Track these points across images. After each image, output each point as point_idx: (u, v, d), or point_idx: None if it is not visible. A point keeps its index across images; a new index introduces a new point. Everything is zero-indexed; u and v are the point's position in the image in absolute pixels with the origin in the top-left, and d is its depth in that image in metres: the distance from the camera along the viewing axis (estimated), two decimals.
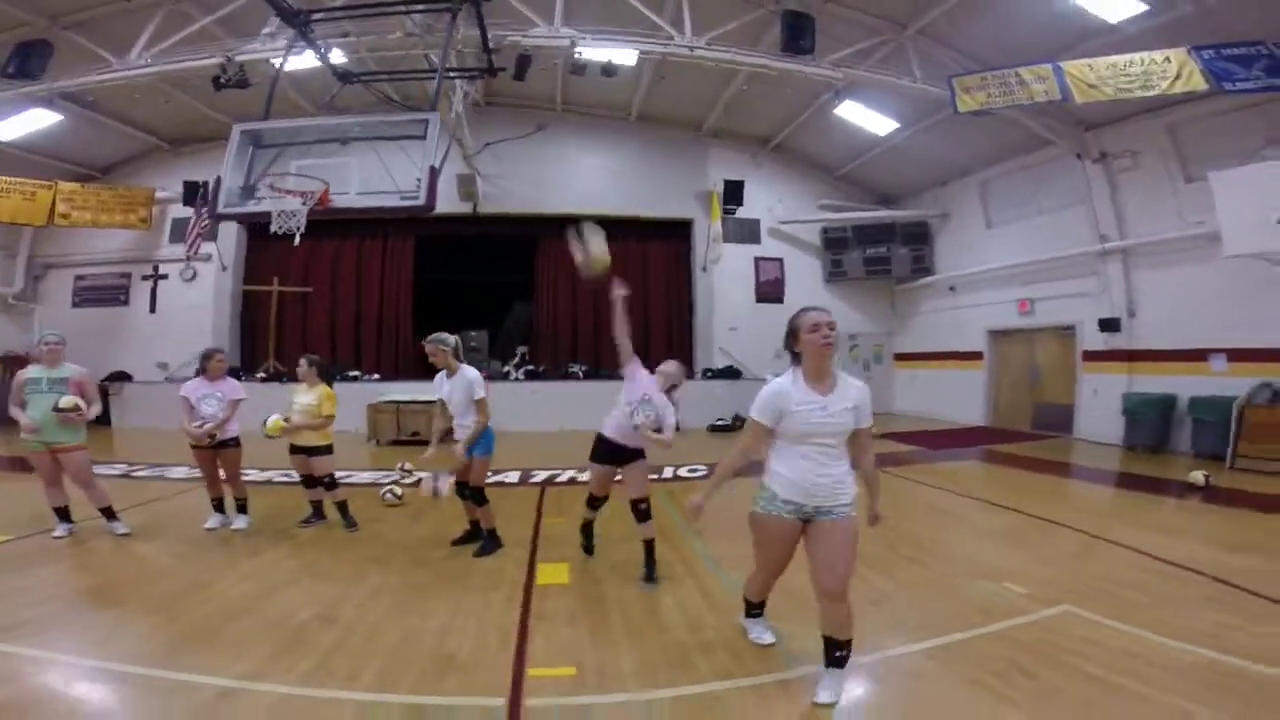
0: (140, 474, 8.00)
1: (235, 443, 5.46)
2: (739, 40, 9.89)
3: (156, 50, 9.53)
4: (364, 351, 13.82)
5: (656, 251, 14.86)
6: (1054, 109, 9.67)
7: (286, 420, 5.37)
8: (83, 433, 5.17)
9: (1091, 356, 11.24)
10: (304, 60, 9.37)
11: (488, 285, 15.62)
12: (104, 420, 12.98)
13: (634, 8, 9.49)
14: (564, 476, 8.01)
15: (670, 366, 4.35)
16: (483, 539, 4.97)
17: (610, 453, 4.33)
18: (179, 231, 13.85)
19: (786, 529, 2.81)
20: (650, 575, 4.26)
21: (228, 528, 5.48)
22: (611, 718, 2.77)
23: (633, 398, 4.17)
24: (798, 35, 9.43)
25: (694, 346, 14.42)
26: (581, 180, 14.22)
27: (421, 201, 6.56)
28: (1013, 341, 13.13)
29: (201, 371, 5.46)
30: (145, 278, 13.80)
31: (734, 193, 13.43)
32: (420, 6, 8.29)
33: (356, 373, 12.92)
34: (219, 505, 5.57)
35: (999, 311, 13.32)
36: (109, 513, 5.32)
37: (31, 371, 5.06)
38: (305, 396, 5.48)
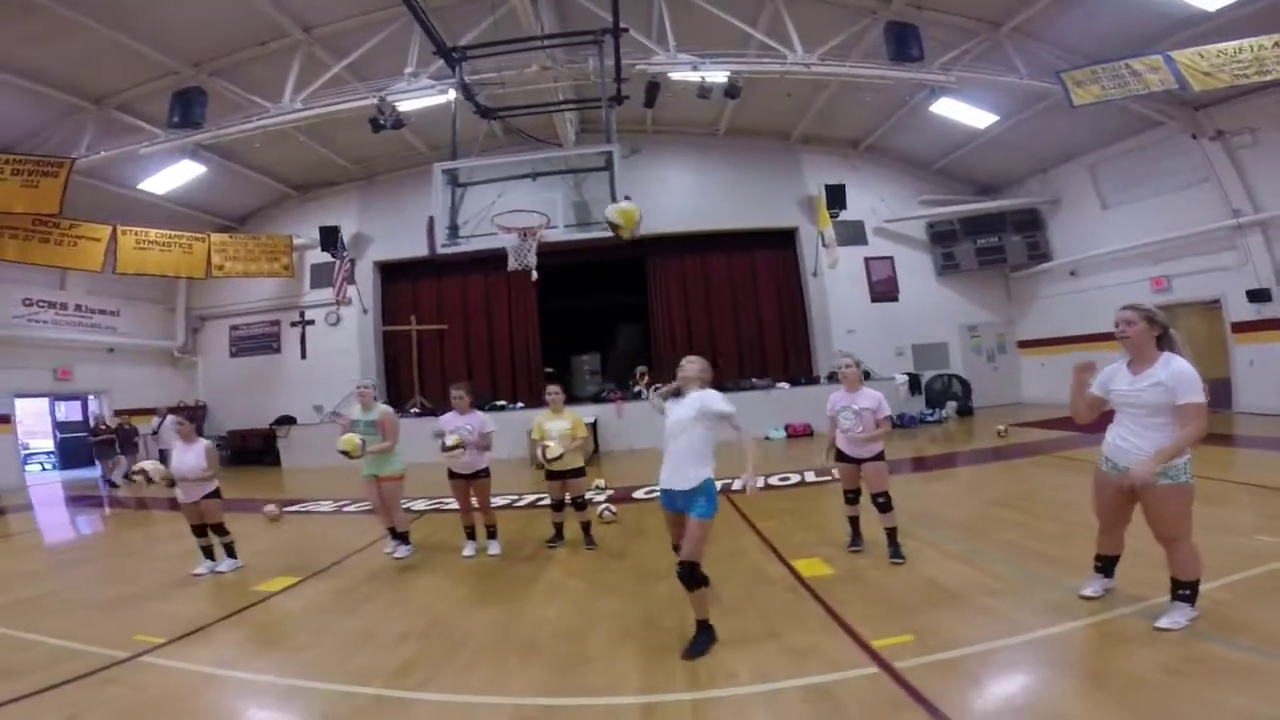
0: (350, 509, 8.55)
1: (486, 473, 5.72)
2: (843, 52, 10.36)
3: (306, 94, 10.22)
4: (499, 382, 14.57)
5: (763, 261, 15.36)
6: (1159, 92, 9.66)
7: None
8: (399, 464, 5.83)
9: (1242, 328, 11.15)
10: (418, 102, 10.13)
11: (604, 308, 16.14)
12: (274, 461, 13.94)
13: (720, 28, 10.03)
14: (737, 484, 8.35)
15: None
16: (697, 634, 3.52)
17: (848, 458, 4.88)
18: (318, 277, 14.94)
19: (1109, 483, 3.41)
20: (897, 553, 4.66)
21: (484, 553, 5.76)
22: (987, 661, 3.14)
23: (834, 409, 4.92)
24: (905, 44, 9.84)
25: (812, 352, 14.59)
26: (677, 198, 14.77)
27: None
28: None
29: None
30: (294, 324, 14.86)
31: (836, 196, 13.70)
32: (562, 40, 8.67)
33: (503, 402, 13.48)
34: (471, 533, 5.86)
35: (1130, 291, 13.07)
36: (404, 536, 5.93)
37: (354, 413, 5.89)
38: (559, 422, 5.63)
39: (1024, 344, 15.48)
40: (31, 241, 11.22)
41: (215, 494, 5.65)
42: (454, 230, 7.39)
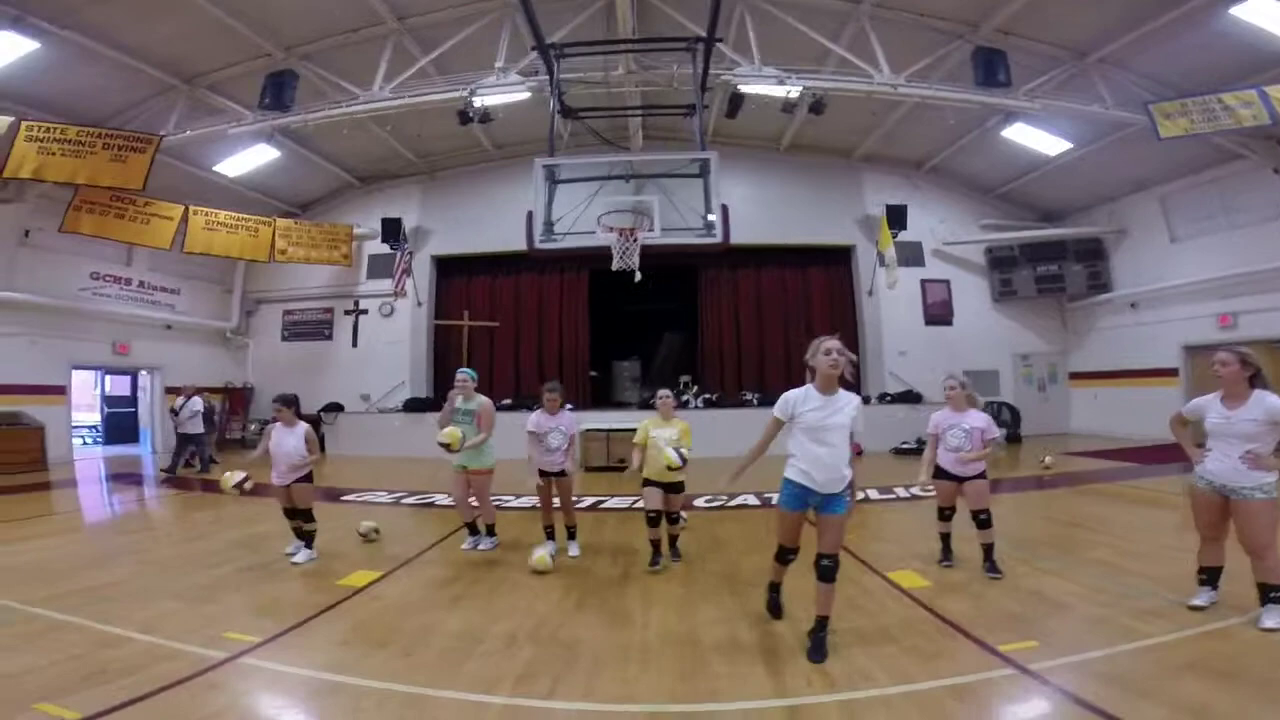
0: (409, 501, 8.54)
1: (567, 472, 5.61)
2: (926, 74, 10.40)
3: (394, 84, 10.37)
4: (547, 381, 14.32)
5: (817, 278, 15.41)
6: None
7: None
8: (490, 457, 5.79)
9: None
10: (504, 97, 10.26)
11: (650, 315, 16.12)
12: (321, 448, 13.88)
13: (799, 41, 10.07)
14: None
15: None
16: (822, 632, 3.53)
17: (948, 476, 4.97)
18: (376, 268, 15.01)
19: (1207, 500, 3.86)
20: (994, 568, 4.75)
21: (563, 553, 5.61)
22: (1118, 664, 3.26)
23: (939, 428, 5.02)
24: (993, 70, 9.84)
25: (863, 371, 14.46)
26: (734, 210, 14.44)
27: (719, 238, 6.93)
28: (1212, 357, 12.62)
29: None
30: (348, 313, 14.98)
31: (897, 217, 13.69)
32: (657, 45, 8.69)
33: None
34: (550, 533, 5.70)
35: (1194, 326, 12.99)
36: (490, 529, 5.95)
37: (456, 402, 5.83)
38: (668, 429, 5.24)
39: (1076, 375, 15.31)
40: (108, 217, 11.51)
41: (308, 478, 5.60)
42: (549, 226, 7.34)
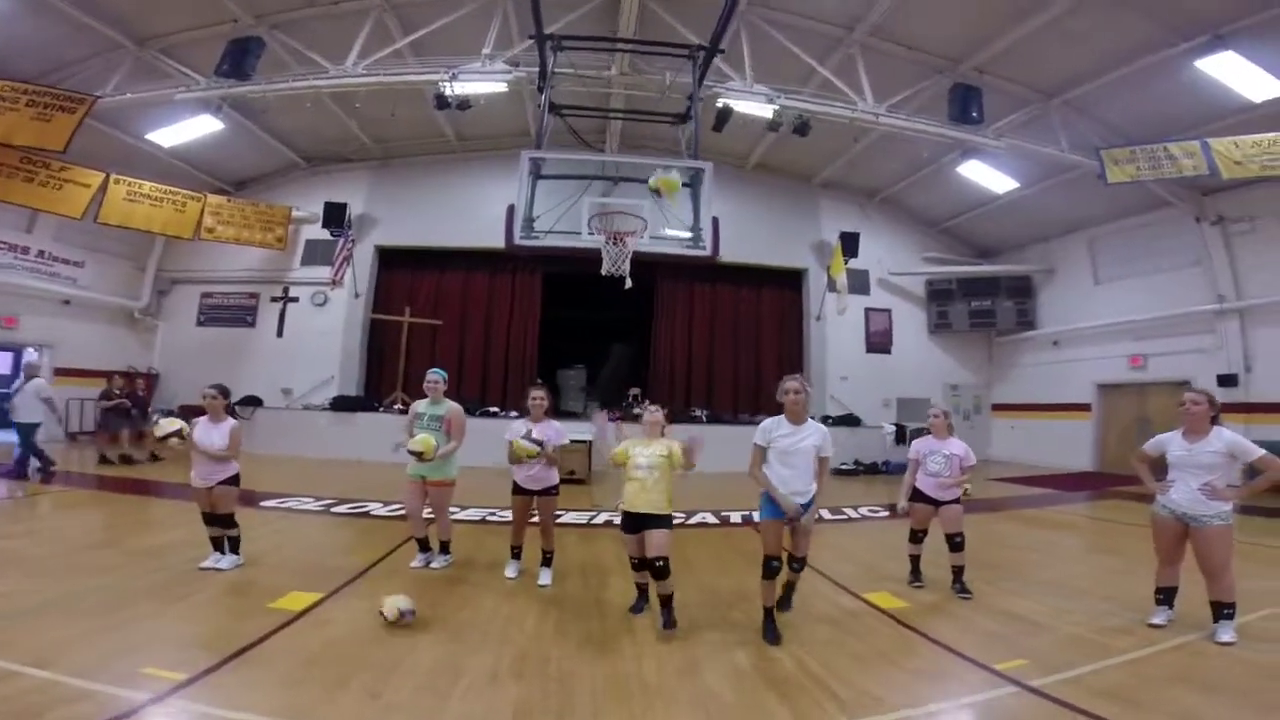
0: (340, 510, 7.77)
1: (555, 490, 5.08)
2: (902, 106, 10.72)
3: (369, 62, 9.78)
4: (490, 387, 14.00)
5: (770, 299, 15.67)
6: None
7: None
8: (454, 468, 5.37)
9: None
10: (484, 87, 9.86)
11: (601, 324, 15.80)
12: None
13: (786, 61, 10.16)
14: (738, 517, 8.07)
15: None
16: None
17: (926, 499, 5.17)
18: (312, 254, 14.12)
19: (1168, 527, 4.25)
20: (964, 589, 4.96)
21: (523, 575, 5.16)
22: (1108, 679, 3.48)
23: (920, 454, 5.22)
24: (967, 107, 10.29)
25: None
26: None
27: (708, 251, 6.73)
28: (1123, 395, 13.76)
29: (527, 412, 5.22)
30: (275, 299, 13.94)
31: (850, 244, 14.05)
32: (656, 49, 8.49)
33: (495, 409, 12.85)
34: (517, 553, 5.21)
35: (1108, 365, 13.88)
36: (445, 546, 5.44)
37: (419, 406, 5.38)
38: (652, 448, 4.33)
39: (998, 406, 16.08)
40: (14, 180, 10.30)
41: (233, 480, 5.06)
42: (530, 223, 6.90)
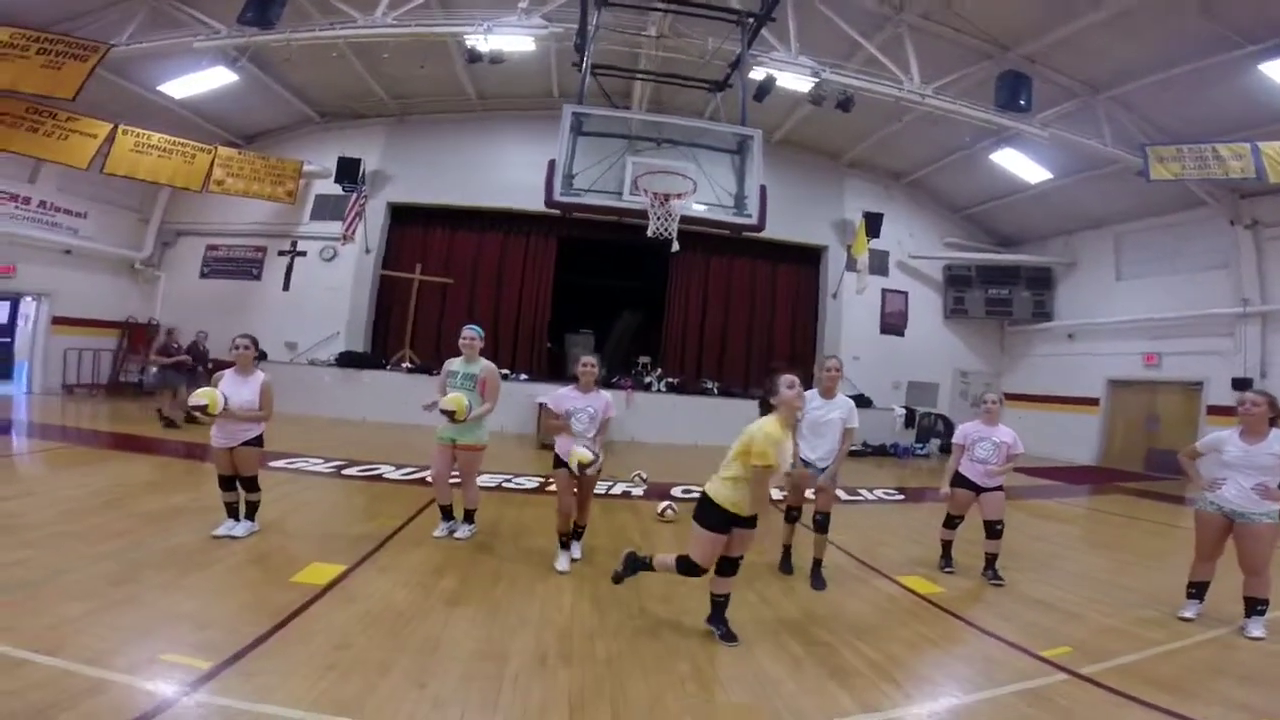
0: (351, 473, 7.49)
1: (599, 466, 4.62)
2: (947, 89, 10.31)
3: (401, 12, 9.25)
4: (500, 349, 13.58)
5: (787, 275, 15.41)
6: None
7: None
8: (484, 431, 5.13)
9: (1217, 410, 11.88)
10: (517, 41, 9.39)
11: (613, 290, 15.44)
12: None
13: (830, 34, 9.81)
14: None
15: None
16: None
17: (969, 485, 5.10)
18: (322, 209, 13.71)
19: (1213, 522, 4.26)
20: (996, 575, 4.96)
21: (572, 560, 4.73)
22: (1153, 669, 3.51)
23: (967, 439, 5.13)
24: (1016, 94, 9.88)
25: (818, 373, 14.23)
26: (719, 193, 14.05)
27: (754, 219, 6.38)
28: (1134, 391, 13.65)
29: (574, 379, 4.81)
30: (282, 253, 13.51)
31: (873, 225, 13.69)
32: (706, 11, 7.99)
33: (505, 371, 12.48)
34: (567, 542, 4.68)
35: (1122, 362, 13.73)
36: (470, 515, 5.21)
37: (452, 364, 5.11)
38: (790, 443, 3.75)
39: (1007, 396, 15.68)
40: (18, 130, 9.92)
41: (257, 441, 4.72)
42: (570, 179, 6.49)
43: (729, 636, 3.52)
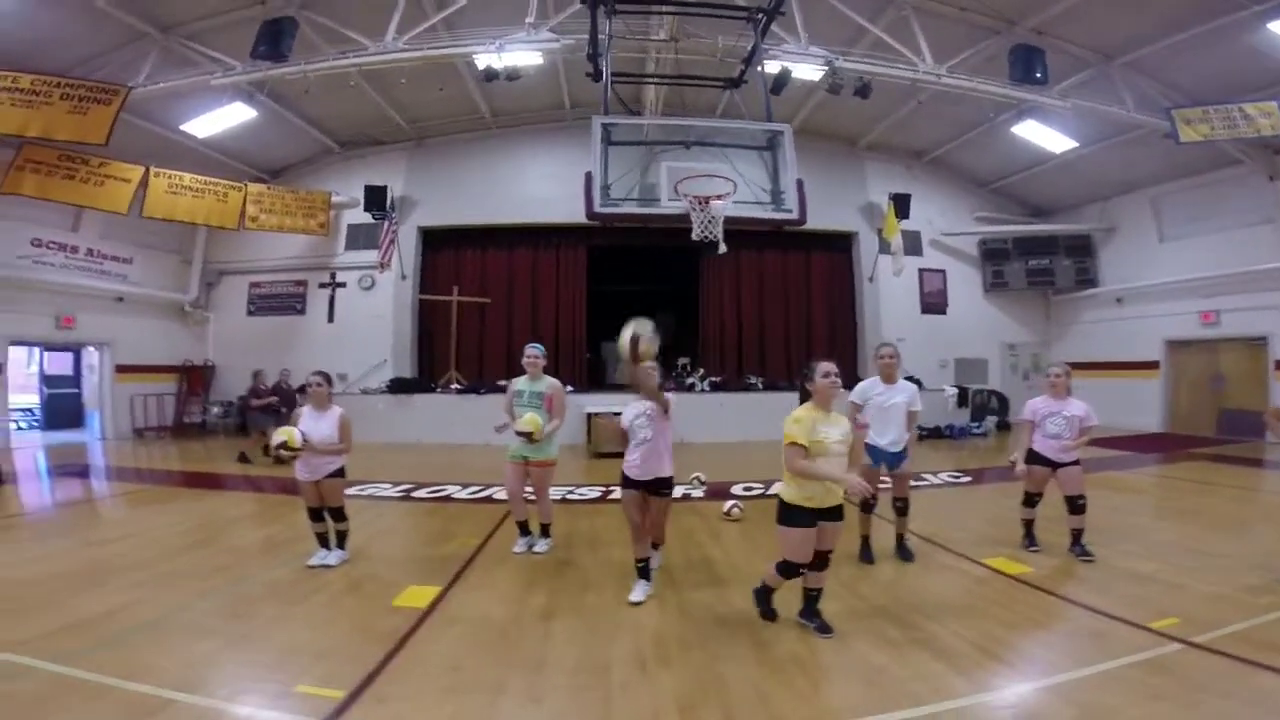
0: (420, 495, 7.71)
1: (670, 485, 4.23)
2: (959, 67, 10.18)
3: (409, 36, 9.35)
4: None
5: (819, 263, 15.33)
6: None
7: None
8: (555, 448, 5.15)
9: None
10: (528, 57, 9.51)
11: (646, 295, 15.41)
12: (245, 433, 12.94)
13: (834, 21, 9.76)
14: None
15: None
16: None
17: (1044, 461, 4.98)
18: (355, 238, 14.00)
19: None
20: (1084, 551, 4.83)
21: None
22: (1271, 635, 3.37)
23: (1037, 415, 5.01)
24: (1031, 67, 9.75)
25: (859, 358, 14.27)
26: (743, 189, 14.02)
27: (794, 214, 6.37)
28: (1193, 352, 13.22)
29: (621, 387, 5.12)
30: (323, 285, 13.84)
31: (901, 206, 13.52)
32: (717, 11, 8.00)
33: (571, 387, 12.64)
34: (645, 570, 4.22)
35: (1178, 322, 13.33)
36: (546, 529, 5.28)
37: (518, 384, 5.18)
38: (837, 428, 3.52)
39: None
40: (55, 178, 10.21)
41: (340, 472, 4.84)
42: (606, 190, 6.54)
43: (824, 629, 3.54)
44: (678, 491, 7.71)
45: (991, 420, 13.94)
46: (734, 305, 14.86)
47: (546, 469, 5.10)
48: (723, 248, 6.60)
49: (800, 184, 6.65)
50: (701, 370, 13.67)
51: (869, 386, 4.80)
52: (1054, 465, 4.91)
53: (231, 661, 3.20)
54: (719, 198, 6.45)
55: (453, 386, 12.72)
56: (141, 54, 9.50)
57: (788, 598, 3.77)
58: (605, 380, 15.15)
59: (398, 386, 12.94)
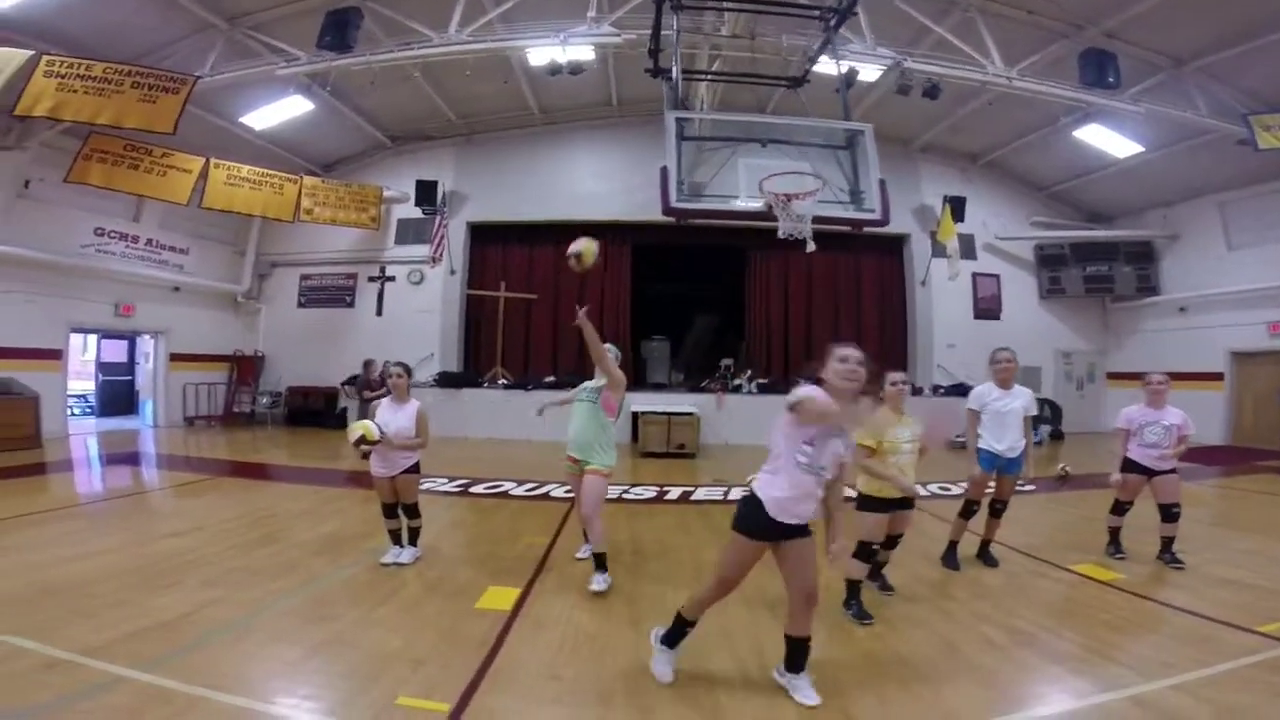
0: (478, 490, 7.62)
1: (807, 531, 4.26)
2: (1028, 70, 9.95)
3: (472, 29, 9.31)
4: (585, 360, 13.30)
5: (869, 266, 15.08)
6: None
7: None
8: (610, 457, 4.47)
9: None
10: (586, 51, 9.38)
11: (689, 295, 15.26)
12: (336, 424, 13.00)
13: (896, 20, 9.56)
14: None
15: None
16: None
17: (1140, 469, 4.94)
18: (405, 233, 14.08)
19: None
20: (1174, 559, 4.83)
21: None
22: None
23: (1134, 423, 4.97)
24: (1102, 71, 9.58)
25: (910, 362, 13.98)
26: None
27: (878, 214, 6.12)
28: (1260, 363, 12.70)
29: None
30: (372, 279, 13.86)
31: (957, 209, 13.11)
32: (790, 9, 7.79)
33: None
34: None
35: (1244, 333, 12.85)
36: (601, 560, 4.33)
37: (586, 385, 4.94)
38: (906, 428, 3.92)
39: (1114, 375, 14.97)
40: (120, 167, 10.37)
41: (415, 468, 4.71)
42: (682, 185, 6.36)
43: (886, 588, 4.22)
44: (735, 493, 7.61)
45: (1045, 429, 13.49)
46: (781, 306, 14.68)
47: (595, 479, 4.34)
48: (811, 246, 6.40)
49: (883, 184, 6.43)
50: (749, 371, 13.40)
51: (985, 392, 4.79)
52: (1149, 473, 4.90)
53: (322, 670, 3.05)
54: (802, 196, 6.22)
55: (500, 382, 12.65)
56: (207, 44, 9.59)
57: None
58: (646, 380, 14.96)
59: (445, 380, 12.95)
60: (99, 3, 8.63)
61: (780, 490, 2.74)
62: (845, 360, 2.74)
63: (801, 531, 2.80)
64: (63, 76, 8.07)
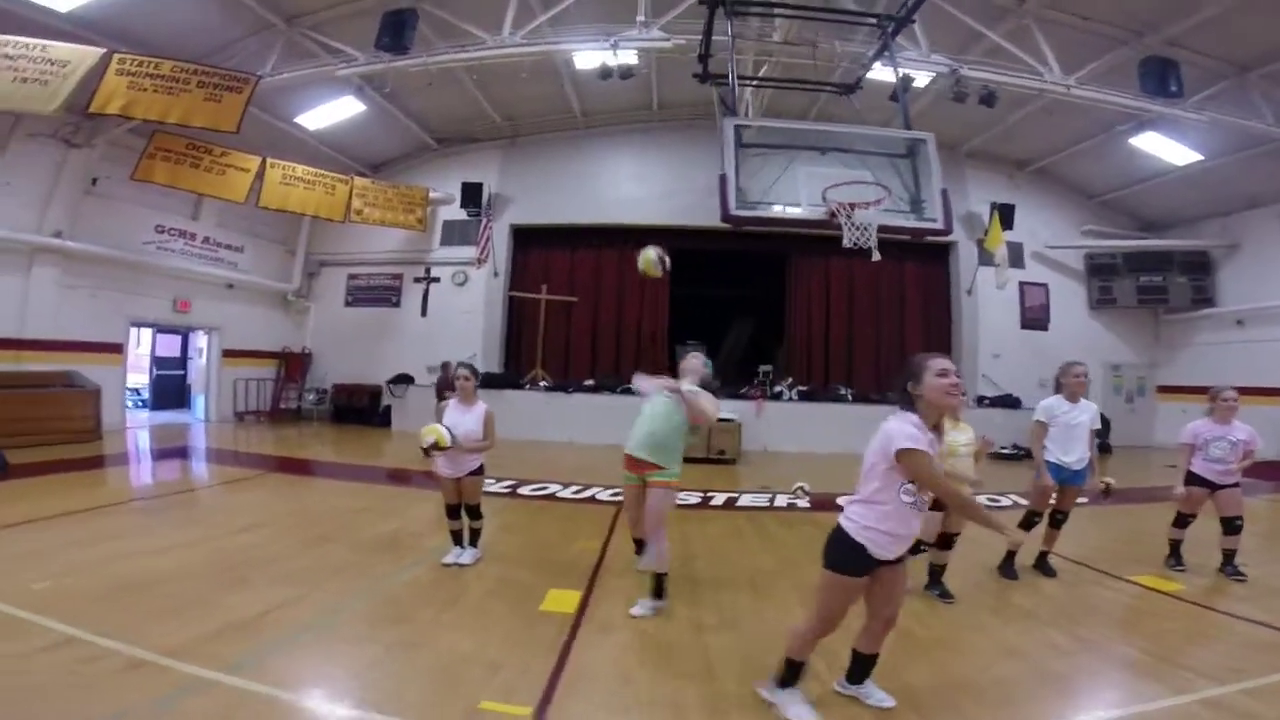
0: (526, 492, 7.66)
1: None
2: (1087, 78, 9.74)
3: (526, 30, 9.37)
4: (623, 363, 13.55)
5: (913, 273, 14.86)
6: None
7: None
8: (677, 466, 4.04)
9: None
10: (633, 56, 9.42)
11: (727, 301, 15.17)
12: (380, 422, 13.16)
13: (950, 27, 9.41)
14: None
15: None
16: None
17: (1203, 483, 4.94)
18: (450, 234, 14.32)
19: None
20: (1236, 571, 4.85)
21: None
22: None
23: (1200, 438, 4.97)
24: (1164, 80, 9.33)
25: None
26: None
27: (940, 224, 6.02)
28: None
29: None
30: (418, 280, 14.12)
31: (1005, 216, 12.80)
32: (844, 17, 7.74)
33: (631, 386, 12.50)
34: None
35: None
36: (659, 584, 3.96)
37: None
38: (962, 434, 4.15)
39: (1165, 388, 14.51)
40: (183, 166, 10.68)
41: (481, 470, 4.75)
42: (740, 193, 6.32)
43: (946, 595, 4.25)
44: (781, 500, 7.55)
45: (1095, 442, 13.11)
46: (822, 314, 14.57)
47: (662, 492, 3.94)
48: (876, 255, 6.30)
49: (945, 193, 6.32)
50: (790, 379, 13.27)
51: (1054, 404, 4.84)
52: (1213, 487, 4.92)
53: (407, 673, 3.05)
54: (866, 205, 6.15)
55: (540, 384, 12.73)
56: (267, 45, 9.80)
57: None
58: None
59: (487, 381, 12.91)
60: (163, 2, 8.87)
61: (886, 526, 2.55)
62: (945, 374, 2.51)
63: (898, 559, 2.68)
64: (133, 75, 8.31)
